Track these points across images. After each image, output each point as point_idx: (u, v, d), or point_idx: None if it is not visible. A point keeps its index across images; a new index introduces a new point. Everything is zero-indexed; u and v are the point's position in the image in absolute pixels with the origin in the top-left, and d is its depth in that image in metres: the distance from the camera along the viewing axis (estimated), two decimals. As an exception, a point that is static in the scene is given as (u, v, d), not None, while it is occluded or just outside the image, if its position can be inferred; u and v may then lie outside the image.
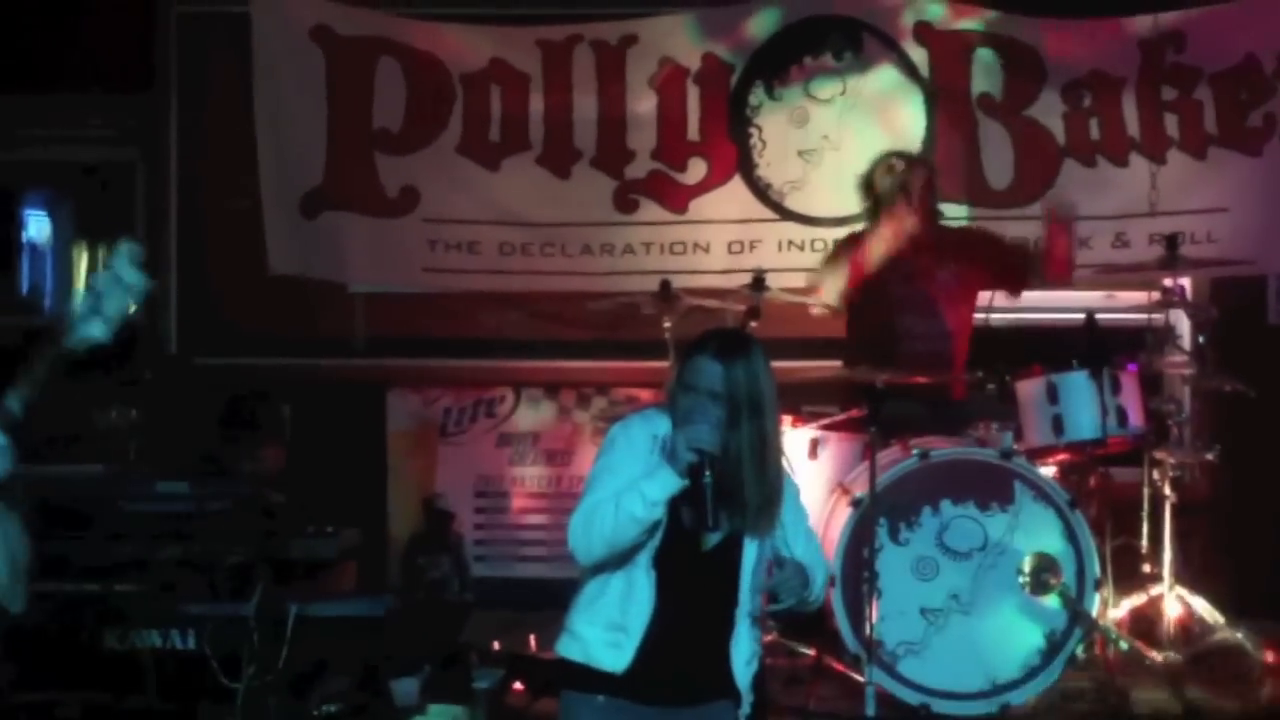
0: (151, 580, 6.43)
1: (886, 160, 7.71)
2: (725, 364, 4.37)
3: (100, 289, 4.04)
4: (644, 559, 4.38)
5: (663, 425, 4.42)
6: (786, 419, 6.98)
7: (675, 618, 4.38)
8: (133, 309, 4.09)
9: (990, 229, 8.15)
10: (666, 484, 4.28)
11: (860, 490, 6.37)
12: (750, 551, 4.44)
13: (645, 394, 8.59)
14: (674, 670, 4.39)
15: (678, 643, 4.38)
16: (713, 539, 4.41)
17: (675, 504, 4.34)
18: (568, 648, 4.48)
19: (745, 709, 4.49)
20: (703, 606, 4.43)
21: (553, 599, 8.03)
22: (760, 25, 8.73)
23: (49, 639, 6.15)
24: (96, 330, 4.07)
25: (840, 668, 6.55)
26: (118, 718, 6.35)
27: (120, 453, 8.19)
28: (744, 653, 4.46)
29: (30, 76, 8.78)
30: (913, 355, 7.17)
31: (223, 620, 6.31)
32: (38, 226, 9.66)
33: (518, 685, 6.51)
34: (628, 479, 4.34)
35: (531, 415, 8.81)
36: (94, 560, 6.61)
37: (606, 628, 4.41)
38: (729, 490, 4.33)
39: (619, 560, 4.37)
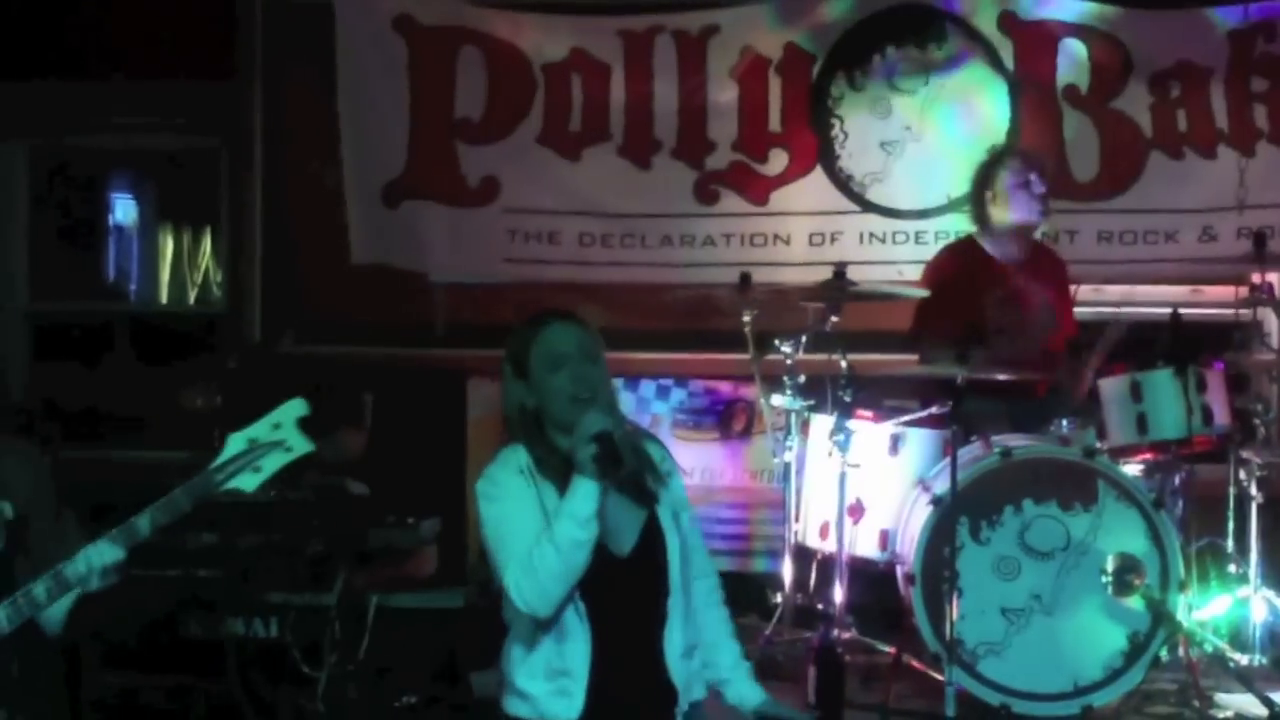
0: (233, 568, 6.47)
1: (1000, 161, 7.51)
2: (576, 320, 4.34)
3: (261, 443, 4.05)
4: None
5: (519, 457, 4.26)
6: (864, 414, 6.96)
7: (615, 642, 4.19)
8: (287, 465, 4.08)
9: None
10: (588, 493, 4.08)
11: (941, 488, 6.32)
12: (667, 524, 4.29)
13: (724, 385, 8.59)
14: (629, 699, 4.20)
15: (624, 666, 4.20)
16: (629, 539, 4.24)
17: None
18: (515, 706, 4.26)
19: (683, 707, 4.28)
20: (638, 618, 4.26)
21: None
22: (835, 8, 8.70)
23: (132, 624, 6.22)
24: (248, 483, 4.07)
25: (919, 666, 6.51)
26: (199, 703, 6.41)
27: (204, 440, 8.25)
28: (677, 645, 4.26)
29: (115, 64, 8.84)
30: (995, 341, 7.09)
31: (304, 609, 6.36)
32: (124, 210, 9.75)
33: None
34: (531, 517, 4.15)
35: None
36: (176, 546, 6.67)
37: (548, 676, 4.20)
38: (638, 474, 4.25)
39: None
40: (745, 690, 4.45)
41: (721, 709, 4.42)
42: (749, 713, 4.38)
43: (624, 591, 4.22)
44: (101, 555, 4.05)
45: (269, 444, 4.05)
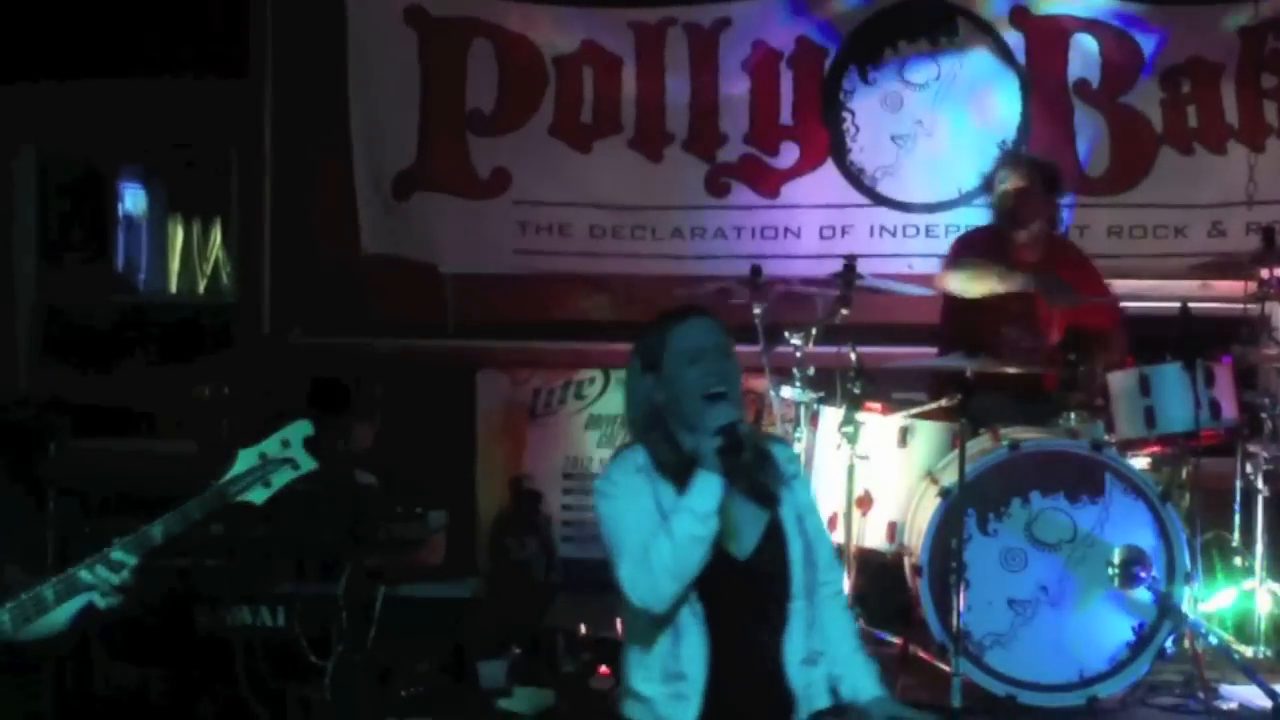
0: (241, 558, 6.48)
1: (1010, 164, 7.44)
2: (710, 316, 4.24)
3: (271, 459, 4.12)
4: (687, 592, 4.09)
5: (637, 457, 4.19)
6: (873, 407, 6.96)
7: (732, 645, 4.12)
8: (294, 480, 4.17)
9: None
10: (710, 487, 4.02)
11: (949, 480, 6.32)
12: (790, 527, 4.21)
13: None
14: (746, 704, 4.13)
15: (742, 670, 4.13)
16: (750, 541, 4.17)
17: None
18: (632, 709, 4.19)
19: (802, 715, 4.17)
20: (757, 622, 4.17)
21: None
22: (847, 2, 8.74)
23: (140, 615, 6.23)
24: (258, 497, 4.15)
25: (926, 657, 6.50)
26: (207, 694, 6.42)
27: (213, 430, 8.27)
28: (798, 651, 4.17)
29: (128, 60, 8.85)
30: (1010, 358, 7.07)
31: (312, 599, 6.37)
32: (134, 201, 9.77)
33: (603, 669, 6.51)
34: (647, 514, 4.09)
35: (620, 398, 8.76)
36: (184, 537, 6.67)
37: (665, 679, 4.12)
38: (761, 474, 4.20)
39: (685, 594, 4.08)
40: (861, 683, 4.30)
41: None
42: (863, 706, 4.26)
43: (743, 594, 4.15)
44: (115, 561, 4.07)
45: (278, 460, 4.13)
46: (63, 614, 4.16)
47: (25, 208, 9.44)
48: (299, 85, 8.97)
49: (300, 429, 4.16)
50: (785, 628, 4.17)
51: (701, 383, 4.12)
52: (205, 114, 9.02)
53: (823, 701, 4.22)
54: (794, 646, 4.17)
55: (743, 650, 4.14)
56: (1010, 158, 7.79)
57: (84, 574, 4.07)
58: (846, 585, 6.76)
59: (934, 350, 7.31)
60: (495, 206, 8.79)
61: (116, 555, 4.07)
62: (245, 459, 4.12)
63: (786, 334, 7.18)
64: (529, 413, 8.85)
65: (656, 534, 4.03)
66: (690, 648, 4.10)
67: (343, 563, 6.55)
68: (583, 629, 6.87)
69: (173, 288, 9.70)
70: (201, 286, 9.64)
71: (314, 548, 6.60)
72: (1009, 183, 7.19)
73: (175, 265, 9.66)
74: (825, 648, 4.27)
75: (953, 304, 7.26)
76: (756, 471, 4.18)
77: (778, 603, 4.17)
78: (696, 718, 4.10)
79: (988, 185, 7.47)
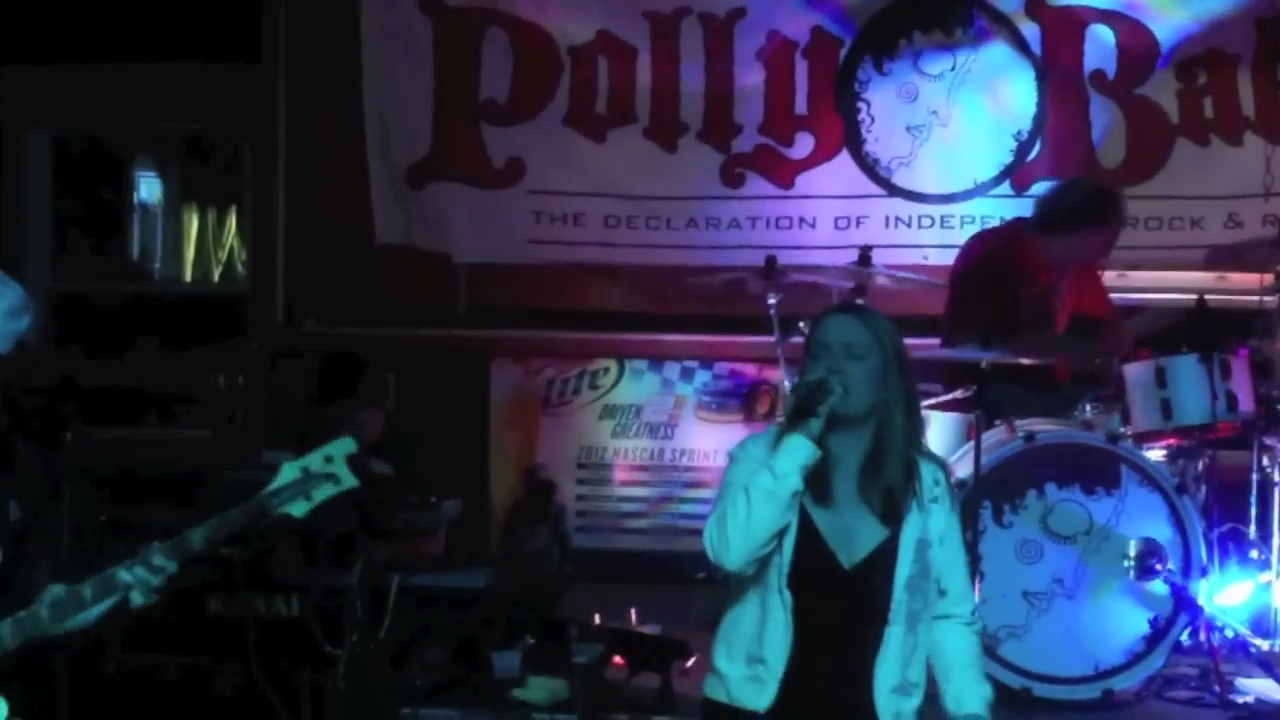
0: (254, 547, 6.48)
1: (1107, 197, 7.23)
2: (860, 316, 4.21)
3: (314, 473, 4.09)
4: (775, 580, 4.11)
5: (775, 432, 4.18)
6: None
7: (819, 648, 4.11)
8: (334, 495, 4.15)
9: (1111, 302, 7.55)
10: (793, 447, 4.02)
11: (964, 471, 6.30)
12: (905, 548, 4.15)
13: (748, 368, 8.59)
14: (822, 707, 4.12)
15: (823, 674, 4.12)
16: (859, 551, 4.15)
17: (809, 521, 4.12)
18: (712, 687, 4.22)
19: None
20: (847, 630, 4.14)
21: (652, 572, 8.16)
22: (861, -10, 8.70)
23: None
24: (298, 509, 4.11)
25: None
26: (221, 682, 6.42)
27: (227, 419, 8.29)
28: (890, 677, 4.14)
29: (141, 45, 8.84)
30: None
31: (326, 588, 6.37)
32: (149, 189, 9.77)
33: (618, 660, 6.50)
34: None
35: (634, 388, 8.80)
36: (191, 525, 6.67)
37: (747, 661, 4.15)
38: (874, 464, 4.14)
39: (757, 561, 4.07)
40: (965, 695, 4.25)
41: None
42: (959, 716, 4.23)
43: (838, 601, 4.14)
44: (156, 565, 4.09)
45: (321, 475, 4.10)
46: (96, 610, 4.18)
47: (38, 192, 9.44)
48: (313, 73, 8.98)
49: (343, 445, 4.14)
50: (880, 649, 4.14)
51: (812, 372, 4.12)
52: (219, 101, 9.02)
53: None
54: (886, 671, 4.14)
55: (830, 657, 4.13)
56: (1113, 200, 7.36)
57: (123, 574, 4.08)
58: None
59: (950, 342, 7.29)
60: (509, 196, 8.79)
61: (158, 560, 4.08)
62: (288, 472, 4.10)
63: (801, 325, 7.15)
64: (543, 402, 8.84)
65: (739, 491, 4.06)
66: (774, 634, 4.11)
67: (357, 552, 6.55)
68: (597, 619, 6.86)
69: (188, 277, 9.70)
70: (216, 275, 9.64)
71: (328, 536, 6.61)
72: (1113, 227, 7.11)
73: (190, 254, 9.66)
74: (942, 667, 4.26)
75: (961, 292, 7.24)
76: (891, 483, 4.15)
77: (873, 621, 4.14)
78: (770, 705, 4.12)
79: (1076, 213, 7.22)
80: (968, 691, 4.24)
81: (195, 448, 8.22)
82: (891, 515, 4.16)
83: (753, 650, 4.15)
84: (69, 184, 9.56)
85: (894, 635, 4.14)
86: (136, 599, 4.12)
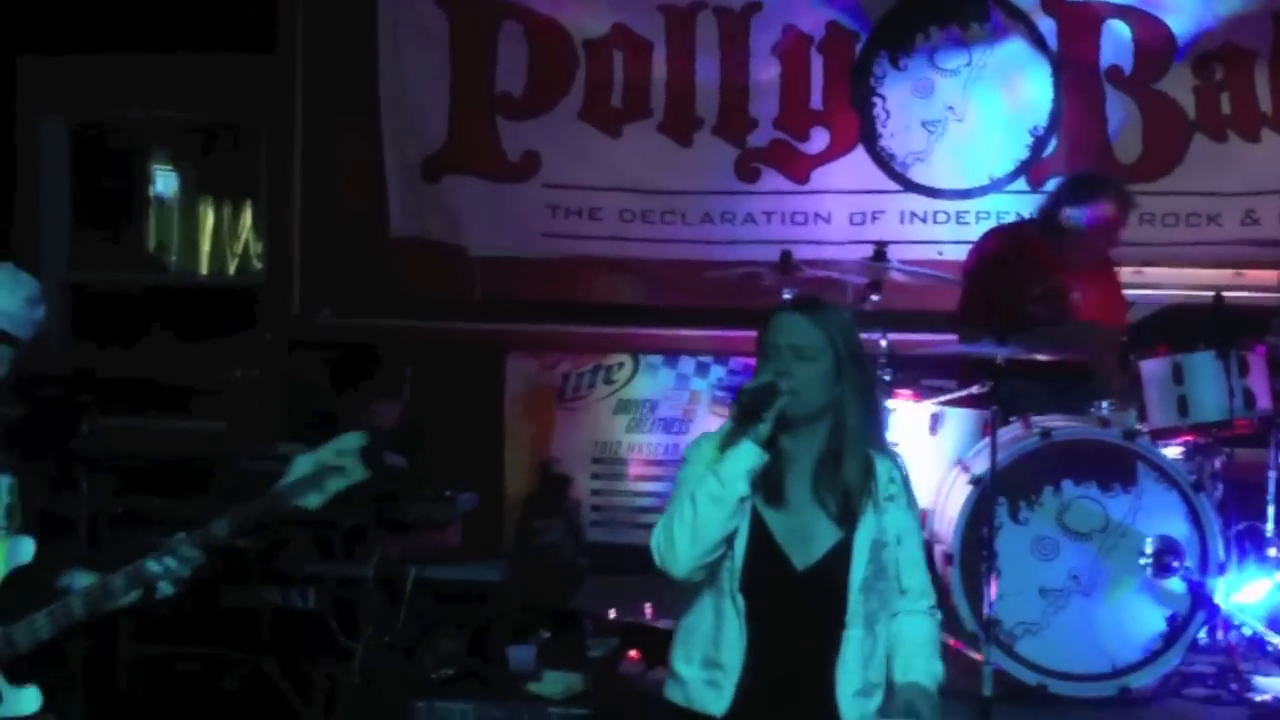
0: (270, 539, 6.49)
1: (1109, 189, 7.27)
2: (810, 314, 4.13)
3: (326, 466, 4.13)
4: (728, 585, 4.07)
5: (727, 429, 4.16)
6: (903, 394, 6.93)
7: (775, 653, 4.07)
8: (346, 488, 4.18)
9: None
10: (741, 454, 4.00)
11: (980, 468, 6.30)
12: (860, 550, 4.11)
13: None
14: (782, 710, 4.07)
15: (781, 678, 4.07)
16: (813, 553, 4.10)
17: (761, 524, 4.09)
18: (672, 690, 4.20)
19: None
20: (803, 634, 4.10)
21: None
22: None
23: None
24: (312, 502, 4.15)
25: (957, 646, 6.48)
26: (235, 674, 6.43)
27: (243, 411, 8.29)
28: (853, 681, 4.09)
29: (158, 37, 8.85)
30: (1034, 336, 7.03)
31: (341, 581, 6.38)
32: (164, 182, 9.78)
33: (632, 654, 6.50)
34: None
35: (649, 382, 8.79)
36: (214, 517, 6.67)
37: (704, 665, 4.11)
38: (830, 464, 4.10)
39: (705, 568, 4.05)
40: (912, 664, 4.18)
41: None
42: (898, 685, 4.16)
43: (792, 604, 4.10)
44: (181, 556, 4.12)
45: (332, 468, 4.14)
46: (125, 600, 4.21)
47: (55, 184, 9.45)
48: (329, 65, 8.97)
49: (354, 439, 4.17)
50: (839, 652, 4.10)
51: (761, 374, 4.10)
52: (235, 92, 9.03)
53: None
54: (848, 675, 4.10)
55: (787, 661, 4.10)
56: (1110, 183, 7.44)
57: (153, 565, 4.14)
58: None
59: (966, 338, 7.28)
60: (525, 189, 8.79)
61: (186, 551, 4.13)
62: (302, 465, 4.14)
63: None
64: (557, 396, 8.84)
65: (685, 495, 4.05)
66: (729, 639, 4.08)
67: (371, 544, 6.56)
68: (611, 613, 6.86)
69: (203, 268, 9.70)
70: (232, 268, 9.64)
71: (343, 529, 6.61)
72: (1107, 209, 7.12)
73: (206, 247, 9.66)
74: (896, 648, 4.20)
75: (974, 285, 7.23)
76: (848, 484, 4.11)
77: (829, 624, 4.10)
78: (727, 710, 4.08)
79: (1071, 196, 7.26)
80: (914, 664, 4.18)
81: (211, 439, 8.22)
82: (847, 516, 4.12)
83: (709, 654, 4.12)
84: (85, 175, 9.56)
85: (853, 638, 4.10)
86: (165, 589, 4.18)
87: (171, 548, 4.13)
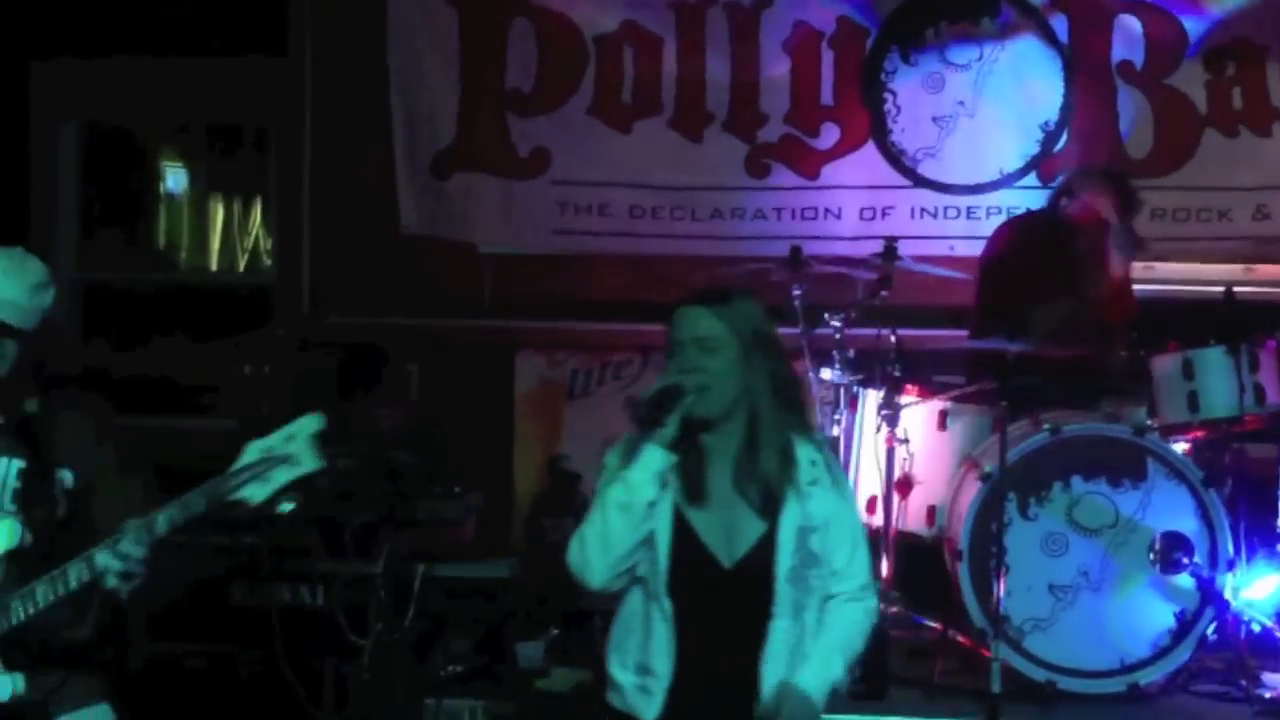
0: (279, 536, 6.49)
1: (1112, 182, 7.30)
2: (713, 306, 4.07)
3: (274, 455, 3.96)
4: (654, 589, 4.04)
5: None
6: (913, 389, 6.92)
7: (703, 649, 4.05)
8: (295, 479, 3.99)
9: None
10: (647, 459, 3.97)
11: (990, 464, 6.29)
12: (785, 540, 4.06)
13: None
14: (711, 710, 4.06)
15: (711, 676, 4.05)
16: (739, 549, 4.07)
17: (684, 524, 4.05)
18: (611, 696, 4.18)
19: None
20: (735, 634, 4.07)
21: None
22: (888, -21, 8.67)
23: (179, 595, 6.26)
24: (256, 494, 3.98)
25: (965, 642, 6.49)
26: (244, 671, 6.44)
27: (252, 409, 8.28)
28: (776, 672, 4.05)
29: (168, 37, 8.86)
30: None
31: (350, 578, 6.38)
32: (175, 178, 9.80)
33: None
34: None
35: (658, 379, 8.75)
36: (222, 514, 6.68)
37: (636, 671, 4.10)
38: (747, 456, 4.06)
39: (624, 575, 4.06)
40: (805, 665, 4.10)
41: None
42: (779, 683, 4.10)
43: (724, 602, 4.07)
44: (122, 551, 4.04)
45: (279, 457, 3.97)
46: (75, 591, 4.15)
47: (66, 183, 9.47)
48: (338, 64, 8.96)
49: (309, 423, 3.99)
50: (764, 645, 4.06)
51: (668, 371, 4.09)
52: (245, 92, 9.03)
53: None
54: (773, 666, 4.07)
55: (715, 657, 4.07)
56: (1105, 177, 7.43)
57: (100, 557, 4.05)
58: (886, 569, 6.74)
59: (976, 334, 7.26)
60: (535, 186, 8.77)
61: (125, 546, 4.02)
62: (249, 453, 3.99)
63: (826, 316, 7.14)
64: (567, 393, 8.83)
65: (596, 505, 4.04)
66: (658, 644, 4.06)
67: (381, 542, 6.56)
68: (620, 610, 6.85)
69: (213, 266, 9.71)
70: (242, 265, 9.65)
71: (352, 526, 6.61)
72: (1097, 201, 7.13)
73: (216, 244, 9.67)
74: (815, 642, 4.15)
75: (987, 279, 7.22)
76: (767, 474, 4.07)
77: (756, 616, 4.07)
78: (659, 715, 4.06)
79: (1066, 187, 7.27)
80: (809, 665, 4.09)
81: (221, 437, 8.22)
82: (769, 506, 4.08)
83: (641, 659, 4.10)
84: (96, 174, 9.58)
85: (779, 629, 4.07)
86: (111, 583, 4.07)
87: (116, 539, 4.03)
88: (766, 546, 4.08)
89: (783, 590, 4.06)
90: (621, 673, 4.14)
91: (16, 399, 4.38)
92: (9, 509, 4.30)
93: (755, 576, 4.07)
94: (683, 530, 4.06)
